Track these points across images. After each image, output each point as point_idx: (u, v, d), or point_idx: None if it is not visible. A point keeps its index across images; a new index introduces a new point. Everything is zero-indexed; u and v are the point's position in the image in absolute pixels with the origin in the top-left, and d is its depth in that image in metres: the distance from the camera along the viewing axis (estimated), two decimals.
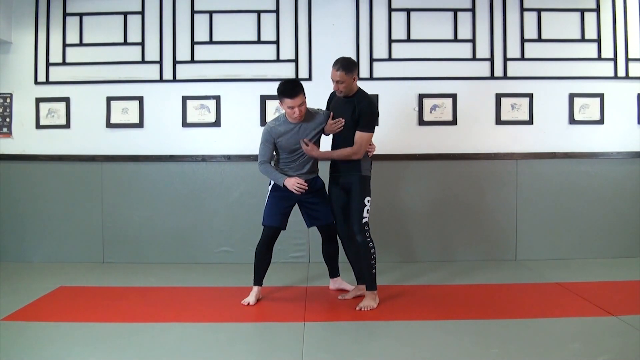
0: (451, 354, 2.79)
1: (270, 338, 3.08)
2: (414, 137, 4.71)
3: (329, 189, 3.67)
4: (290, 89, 3.42)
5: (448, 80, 4.71)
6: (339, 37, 4.70)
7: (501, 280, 4.15)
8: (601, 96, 4.73)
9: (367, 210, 3.49)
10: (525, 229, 4.73)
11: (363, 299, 3.51)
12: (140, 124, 4.71)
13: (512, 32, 4.72)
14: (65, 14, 4.70)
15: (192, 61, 4.70)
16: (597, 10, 4.72)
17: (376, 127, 4.50)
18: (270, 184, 3.67)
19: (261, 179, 3.89)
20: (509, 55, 4.73)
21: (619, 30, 4.72)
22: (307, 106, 3.54)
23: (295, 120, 3.51)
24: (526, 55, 4.73)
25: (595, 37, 4.73)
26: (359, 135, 3.47)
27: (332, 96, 3.70)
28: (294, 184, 3.49)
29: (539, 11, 4.72)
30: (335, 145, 3.62)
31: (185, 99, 4.70)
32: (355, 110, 3.46)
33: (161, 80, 4.71)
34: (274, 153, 3.64)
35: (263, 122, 4.59)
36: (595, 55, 4.74)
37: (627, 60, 4.72)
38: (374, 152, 3.63)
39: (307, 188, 3.51)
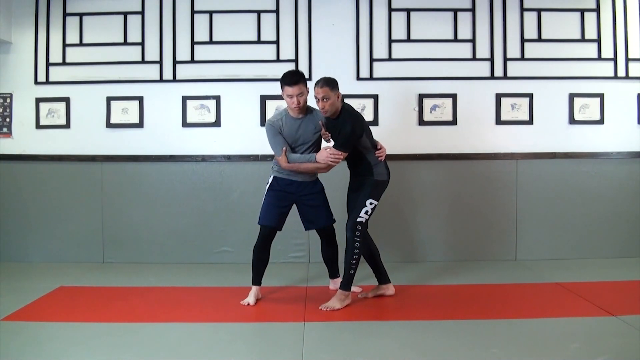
0: (451, 354, 2.79)
1: (270, 338, 3.08)
2: (414, 137, 4.71)
3: (348, 191, 3.67)
4: (290, 76, 3.45)
5: (448, 80, 4.71)
6: (339, 37, 4.70)
7: (501, 280, 4.15)
8: (601, 96, 4.73)
9: (367, 212, 3.47)
10: (525, 229, 4.73)
11: (331, 299, 3.50)
12: (140, 124, 4.71)
13: (512, 32, 4.72)
14: (65, 14, 4.70)
15: (192, 61, 4.70)
16: (597, 10, 4.72)
17: (377, 127, 4.60)
18: (268, 182, 3.67)
19: (261, 178, 3.89)
20: (509, 55, 4.73)
21: (619, 30, 4.72)
22: (308, 104, 3.55)
23: (295, 111, 3.51)
24: (526, 55, 4.73)
25: (595, 37, 4.73)
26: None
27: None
28: (327, 155, 3.42)
29: (539, 11, 4.72)
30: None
31: (185, 99, 4.70)
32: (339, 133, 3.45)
33: (161, 80, 4.70)
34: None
35: (263, 122, 4.58)
36: (595, 55, 4.74)
37: (627, 60, 4.72)
38: (385, 154, 3.58)
39: (342, 157, 3.41)
